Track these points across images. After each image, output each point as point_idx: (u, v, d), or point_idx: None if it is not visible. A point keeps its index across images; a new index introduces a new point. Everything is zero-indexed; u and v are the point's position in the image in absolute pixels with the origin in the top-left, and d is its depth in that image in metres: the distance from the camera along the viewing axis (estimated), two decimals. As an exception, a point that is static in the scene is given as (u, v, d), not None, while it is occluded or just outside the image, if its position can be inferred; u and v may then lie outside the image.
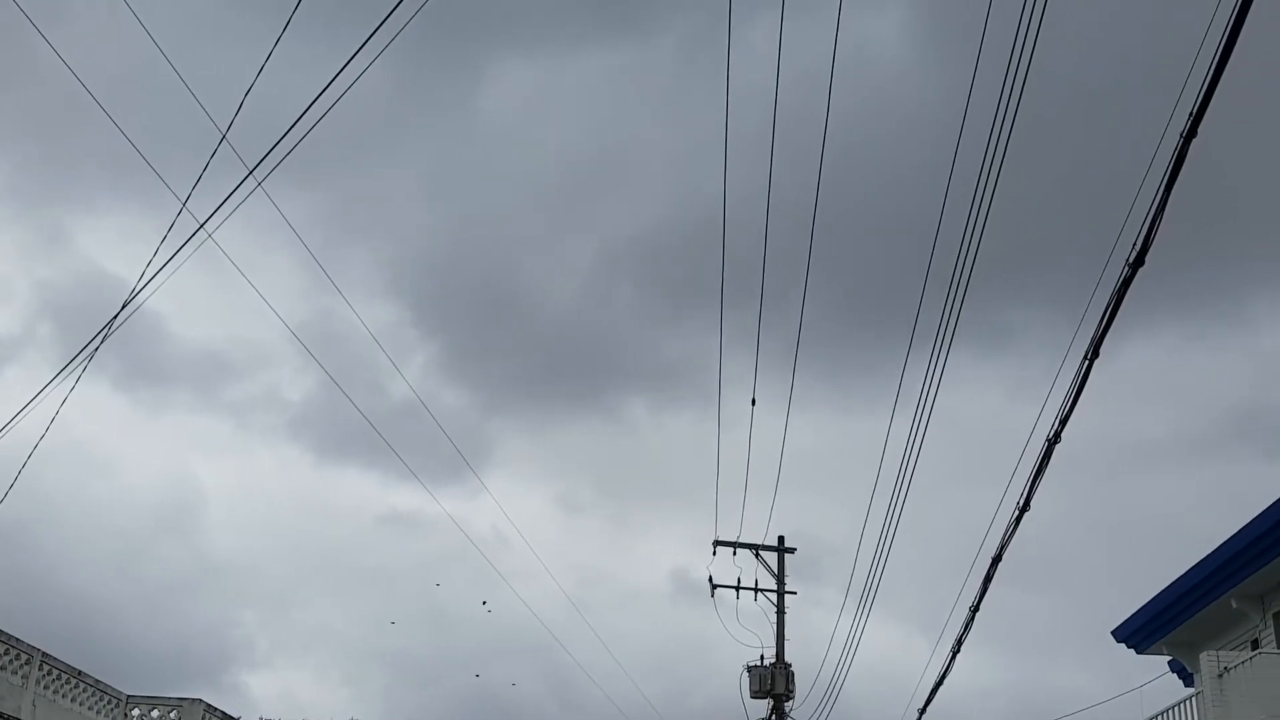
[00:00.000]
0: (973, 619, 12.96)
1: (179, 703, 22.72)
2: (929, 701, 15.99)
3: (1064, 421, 10.41)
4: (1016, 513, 11.65)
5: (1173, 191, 8.46)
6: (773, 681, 28.09)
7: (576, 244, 56.35)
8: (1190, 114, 8.03)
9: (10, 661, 19.23)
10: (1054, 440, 10.70)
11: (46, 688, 19.98)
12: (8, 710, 19.20)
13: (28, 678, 19.51)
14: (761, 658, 28.46)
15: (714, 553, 29.24)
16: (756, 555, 29.16)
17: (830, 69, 11.61)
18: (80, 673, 20.88)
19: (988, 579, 12.44)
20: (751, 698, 28.42)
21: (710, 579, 29.28)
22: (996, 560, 12.22)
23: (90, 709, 21.22)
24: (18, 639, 19.35)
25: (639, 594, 62.77)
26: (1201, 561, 18.42)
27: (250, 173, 10.31)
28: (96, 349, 12.37)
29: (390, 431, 59.18)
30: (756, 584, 28.96)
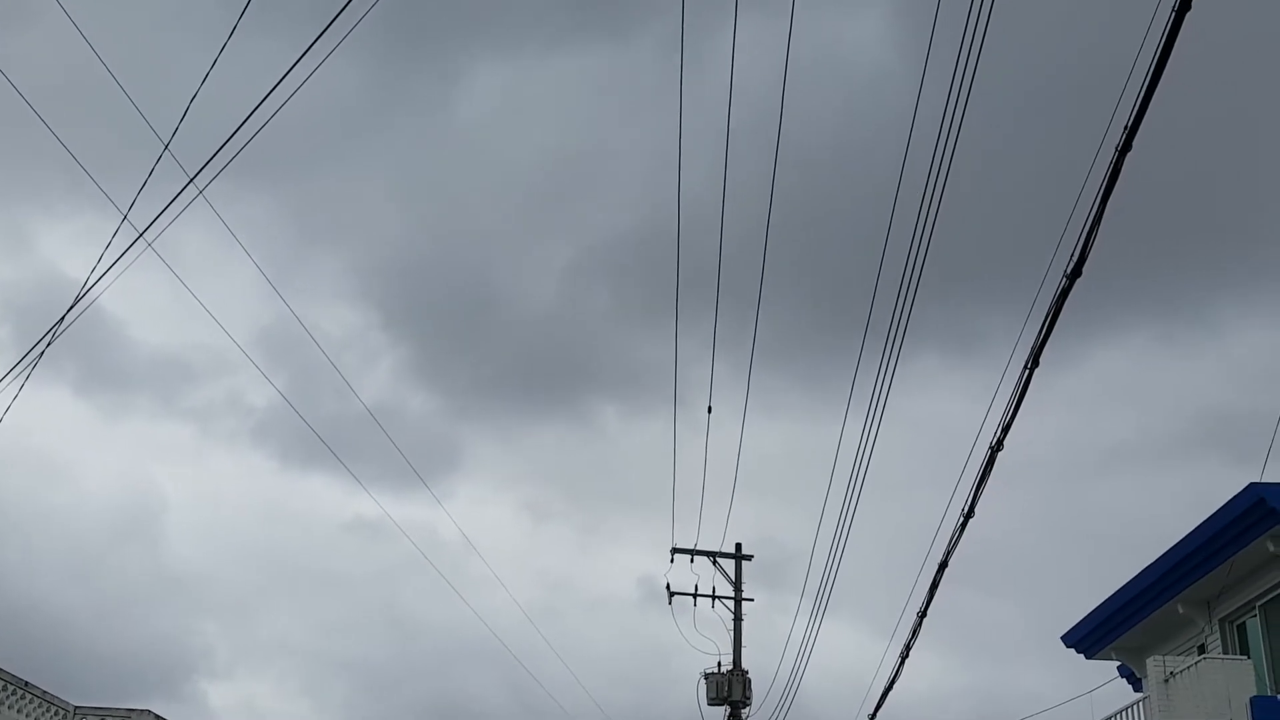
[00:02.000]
0: (920, 624, 13.04)
1: (128, 714, 22.48)
2: (879, 706, 16.06)
3: (1006, 429, 10.50)
4: (961, 519, 11.74)
5: (1109, 204, 8.59)
6: (730, 688, 28.14)
7: (549, 247, 56.26)
8: (1125, 127, 8.14)
9: (-45, 673, 19.01)
10: (996, 448, 10.79)
11: (-8, 699, 19.74)
12: (-47, 722, 18.95)
13: (-28, 689, 19.29)
14: (719, 665, 28.53)
15: (672, 560, 29.29)
16: (714, 562, 29.20)
17: (783, 76, 11.65)
18: (27, 683, 20.63)
19: (934, 585, 12.51)
20: (709, 705, 28.46)
21: (668, 586, 29.31)
22: (943, 566, 12.30)
23: (38, 720, 20.97)
24: (-38, 650, 19.15)
25: (606, 601, 62.77)
26: (1148, 567, 18.59)
27: (191, 180, 10.23)
28: (41, 354, 12.23)
29: (356, 437, 58.94)
30: (714, 591, 29.05)
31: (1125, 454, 51.48)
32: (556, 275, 55.59)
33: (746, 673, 28.49)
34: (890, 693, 14.95)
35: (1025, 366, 9.91)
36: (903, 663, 13.80)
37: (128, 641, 51.61)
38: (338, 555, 60.94)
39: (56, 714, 21.57)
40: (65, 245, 57.21)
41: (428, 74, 51.42)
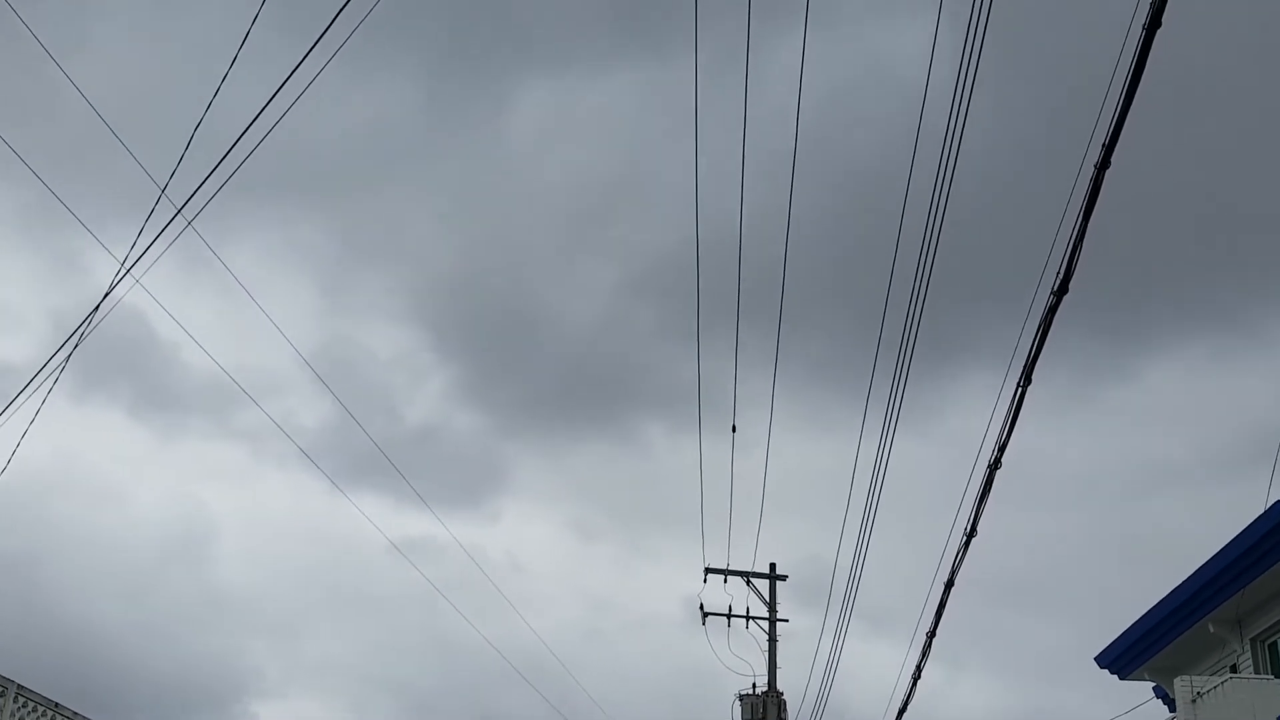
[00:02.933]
0: (929, 644, 12.87)
1: (158, 735, 22.68)
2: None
3: (1002, 448, 10.37)
4: (964, 538, 11.59)
5: (1090, 221, 8.50)
6: (764, 710, 27.98)
7: (596, 266, 56.38)
8: (1103, 144, 8.07)
9: (-16, 694, 19.25)
10: (994, 466, 10.66)
11: (22, 720, 19.99)
12: (-15, 743, 19.20)
13: (2, 710, 19.51)
14: (754, 686, 28.38)
15: (705, 580, 29.23)
16: (748, 582, 29.07)
17: (798, 99, 11.59)
18: (57, 704, 20.86)
19: (941, 604, 12.35)
20: (744, 727, 28.29)
21: (701, 607, 29.23)
22: (948, 586, 12.14)
23: (72, 741, 21.20)
24: (-8, 671, 19.39)
25: (649, 620, 62.57)
26: (1179, 586, 18.27)
27: (178, 211, 10.33)
28: (48, 378, 12.41)
29: (405, 456, 59.34)
30: (748, 611, 28.91)
31: (1178, 470, 50.72)
32: (603, 294, 55.69)
33: (781, 694, 28.32)
34: (905, 713, 14.76)
35: (1018, 384, 9.80)
36: (915, 684, 13.63)
37: (179, 661, 52.14)
38: (384, 575, 61.28)
39: (87, 735, 21.79)
40: (116, 268, 57.93)
41: (478, 95, 51.81)
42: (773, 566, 29.04)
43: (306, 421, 57.67)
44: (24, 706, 20.45)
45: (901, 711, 14.72)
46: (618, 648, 59.87)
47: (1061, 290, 8.89)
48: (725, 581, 28.91)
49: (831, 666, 22.83)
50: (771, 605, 28.79)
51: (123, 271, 11.13)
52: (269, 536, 61.91)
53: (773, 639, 28.57)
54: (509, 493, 60.71)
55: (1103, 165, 8.08)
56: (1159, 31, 7.22)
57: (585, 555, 63.00)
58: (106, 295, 11.29)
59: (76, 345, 12.11)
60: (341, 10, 9.58)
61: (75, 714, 21.66)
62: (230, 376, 27.40)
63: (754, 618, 28.60)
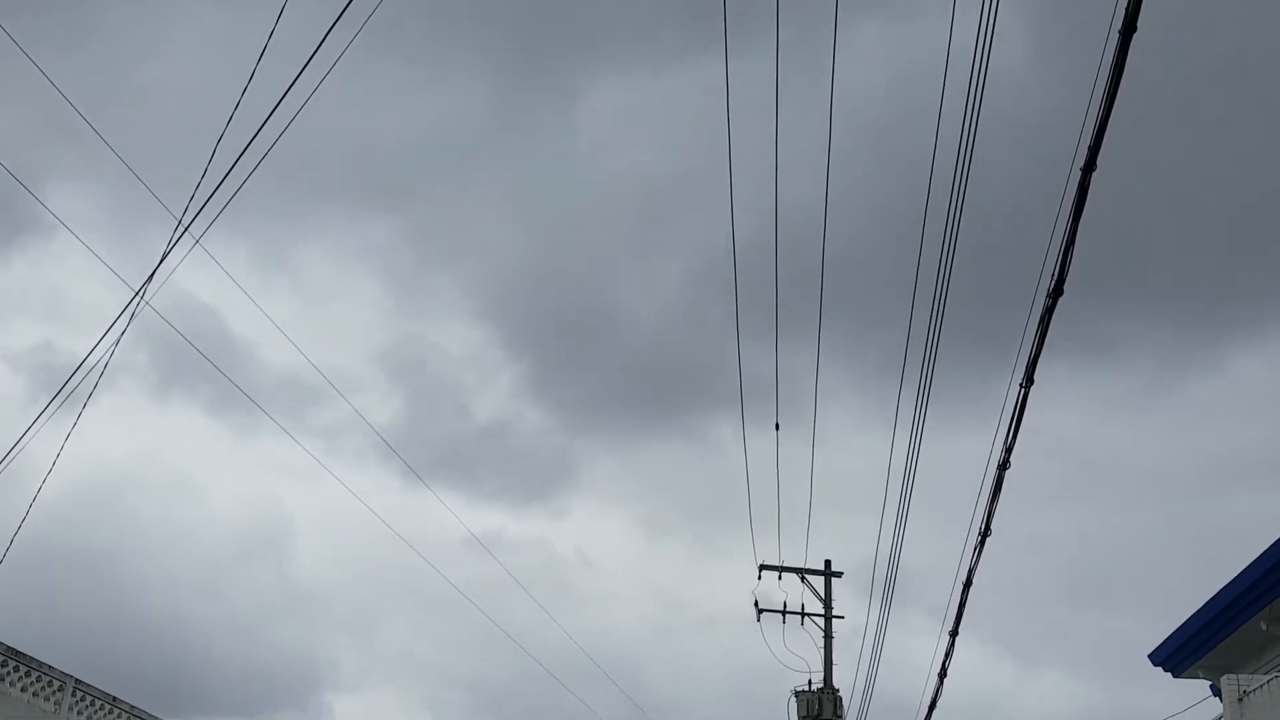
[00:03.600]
0: (953, 644, 12.75)
1: (214, 728, 23.18)
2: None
3: (1009, 450, 10.24)
4: (979, 538, 11.47)
5: (1080, 223, 8.41)
6: (820, 706, 27.87)
7: (665, 261, 56.35)
8: (1089, 147, 8.01)
9: (43, 689, 19.80)
10: (1004, 466, 10.53)
11: (80, 714, 20.51)
12: (45, 736, 19.76)
13: (60, 704, 20.06)
14: (809, 683, 28.28)
15: (759, 577, 29.13)
16: (803, 579, 28.97)
17: (829, 96, 11.57)
18: (115, 699, 21.39)
19: (962, 603, 12.24)
20: (800, 723, 28.23)
21: (755, 603, 29.15)
22: (967, 585, 12.03)
23: (128, 734, 21.76)
24: (50, 666, 19.91)
25: (717, 616, 62.53)
26: (1230, 583, 17.94)
27: (183, 227, 10.54)
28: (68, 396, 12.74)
29: (475, 453, 59.95)
30: (803, 608, 28.80)
31: (1260, 463, 49.56)
32: (672, 289, 55.64)
33: (838, 691, 28.19)
34: (934, 710, 14.63)
35: (1021, 385, 9.68)
36: (941, 683, 13.51)
37: (258, 655, 53.13)
38: (456, 571, 61.92)
39: (145, 728, 22.35)
40: (194, 271, 59.26)
41: (547, 93, 52.03)
42: (828, 563, 28.92)
43: (379, 419, 58.42)
44: (81, 700, 20.99)
45: (931, 708, 14.60)
46: (685, 644, 59.95)
47: (1056, 292, 8.80)
48: (780, 578, 28.84)
49: (875, 661, 22.71)
50: (827, 602, 28.67)
51: (175, 237, 11.38)
52: (344, 532, 62.80)
53: (828, 635, 28.44)
54: (578, 489, 61.00)
55: (1088, 167, 8.00)
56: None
57: (654, 551, 63.14)
58: (156, 270, 11.56)
59: (128, 324, 12.40)
60: (346, 8, 9.71)
61: (133, 708, 22.18)
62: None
63: (808, 614, 28.49)
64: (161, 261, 10.94)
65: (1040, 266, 9.17)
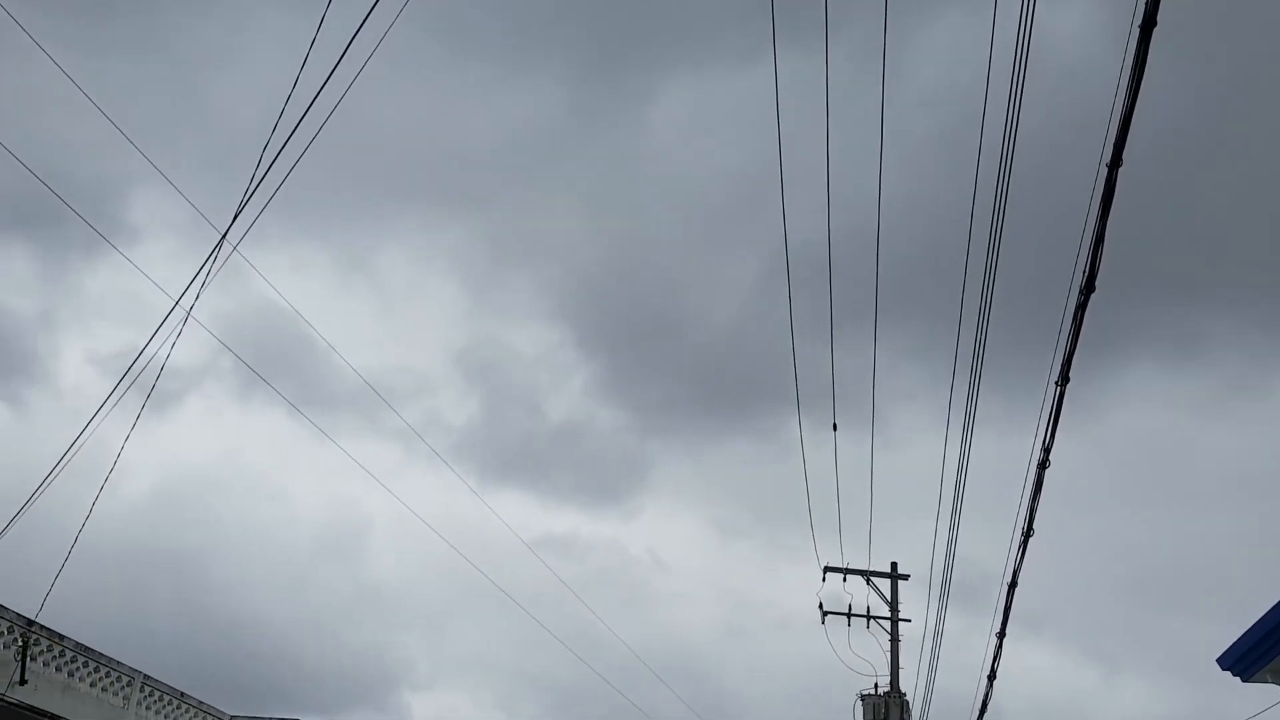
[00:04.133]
0: (1000, 647, 12.56)
1: (279, 724, 23.58)
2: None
3: (1048, 450, 10.07)
4: (1022, 538, 11.28)
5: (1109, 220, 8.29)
6: (886, 710, 27.63)
7: (738, 260, 56.21)
8: (1115, 144, 7.90)
9: (112, 684, 20.23)
10: (1044, 465, 10.36)
11: (148, 709, 20.93)
12: (116, 730, 20.20)
13: (129, 699, 20.49)
14: (875, 686, 28.04)
15: (823, 578, 28.90)
16: (868, 581, 28.70)
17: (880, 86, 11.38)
18: (183, 694, 21.79)
19: (1008, 606, 12.05)
20: (867, 727, 28.02)
21: (820, 605, 28.93)
22: (1012, 586, 11.84)
23: (198, 729, 22.16)
24: (119, 662, 20.34)
25: (789, 618, 62.22)
26: (1296, 589, 17.49)
27: (223, 237, 10.72)
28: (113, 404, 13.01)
29: (548, 453, 60.24)
30: (868, 610, 28.54)
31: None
32: (745, 289, 55.45)
33: (904, 694, 27.93)
34: (985, 713, 14.41)
35: (1057, 383, 9.52)
36: (991, 684, 13.31)
37: (336, 654, 53.82)
38: (529, 570, 62.25)
39: (213, 724, 22.75)
40: (277, 275, 60.33)
41: (622, 93, 52.15)
42: (894, 565, 28.64)
43: (455, 420, 58.95)
44: (150, 695, 21.40)
45: (981, 713, 14.39)
46: (755, 645, 59.75)
47: (1088, 289, 8.66)
48: (844, 580, 28.59)
49: (934, 665, 22.42)
50: (893, 604, 28.40)
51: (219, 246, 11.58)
52: (419, 532, 63.43)
53: (894, 639, 28.18)
54: (650, 490, 61.07)
55: (1114, 163, 7.88)
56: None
57: (724, 552, 62.97)
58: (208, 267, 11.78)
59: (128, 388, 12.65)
60: (372, 9, 9.82)
61: (200, 703, 22.57)
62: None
63: (874, 617, 28.23)
64: (202, 268, 11.15)
65: (1091, 262, 9.00)
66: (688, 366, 58.78)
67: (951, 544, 17.19)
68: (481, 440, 58.07)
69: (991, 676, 13.08)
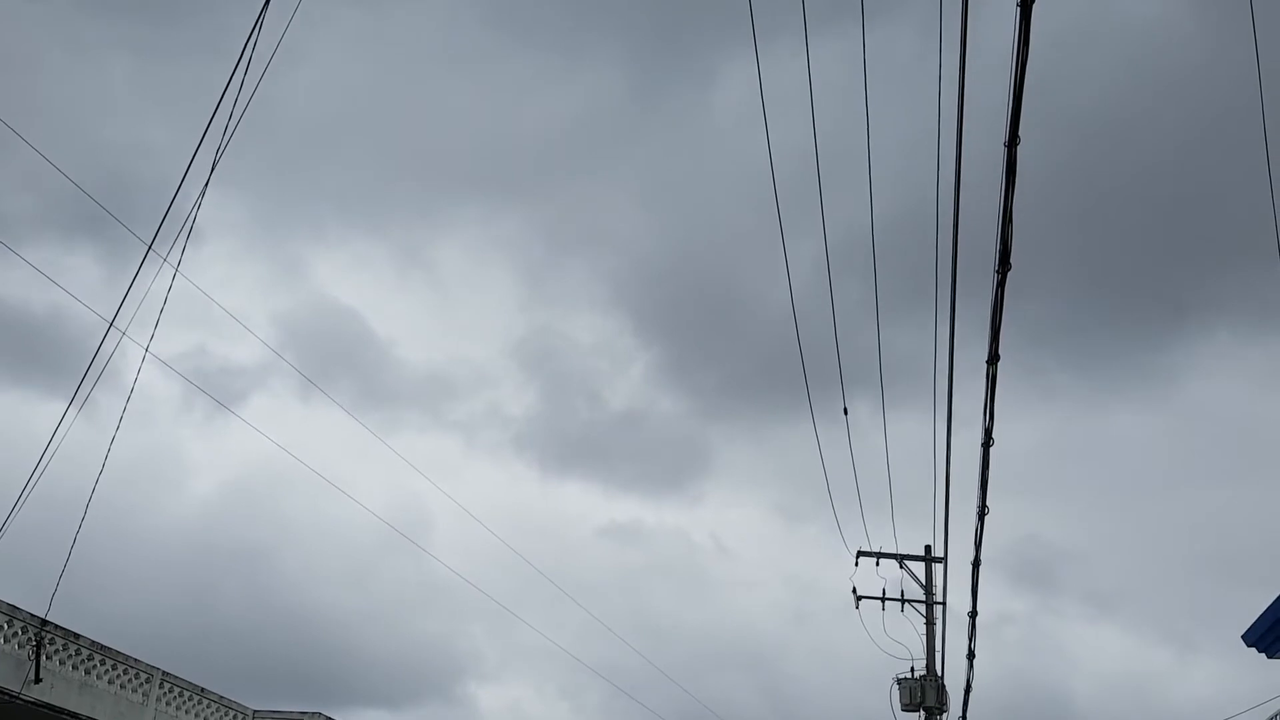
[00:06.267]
0: (974, 625, 12.27)
1: (300, 716, 23.73)
2: (965, 706, 15.16)
3: (988, 430, 9.78)
4: (978, 517, 10.99)
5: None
6: (923, 694, 27.31)
7: (800, 242, 55.56)
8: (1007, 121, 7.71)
9: (130, 680, 20.50)
10: (986, 445, 10.07)
11: (168, 704, 21.19)
12: (137, 726, 20.48)
13: (148, 695, 20.75)
14: (911, 670, 27.73)
15: (857, 563, 28.58)
16: (901, 565, 28.38)
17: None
18: (203, 690, 22.01)
19: (974, 585, 11.74)
20: (903, 710, 27.72)
21: (854, 590, 28.63)
22: (975, 566, 11.54)
23: (217, 724, 22.37)
24: (136, 659, 20.60)
25: (849, 602, 61.55)
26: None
27: (152, 251, 10.72)
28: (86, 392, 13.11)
29: (609, 441, 60.22)
30: (903, 594, 28.20)
31: None
32: (806, 272, 54.79)
33: (941, 678, 27.58)
34: (970, 693, 14.09)
35: (988, 362, 9.26)
36: (971, 665, 13.01)
37: (403, 647, 54.26)
38: (593, 560, 62.36)
39: (235, 718, 22.98)
40: (336, 272, 60.92)
41: (682, 76, 51.74)
42: (927, 549, 28.29)
43: (514, 410, 59.14)
44: (169, 691, 21.66)
45: (967, 691, 14.09)
46: (821, 630, 59.36)
47: (1003, 265, 8.42)
48: (878, 565, 28.29)
49: (971, 649, 22.02)
50: (928, 588, 28.06)
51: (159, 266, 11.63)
52: (485, 523, 63.73)
53: (929, 622, 27.85)
54: (712, 476, 60.84)
55: (1012, 141, 7.65)
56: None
57: (788, 536, 62.60)
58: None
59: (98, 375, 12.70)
60: None
61: (221, 698, 22.82)
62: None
63: (908, 600, 27.91)
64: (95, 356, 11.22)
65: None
66: (748, 350, 58.39)
67: (978, 530, 16.81)
68: (542, 430, 58.27)
69: (970, 656, 12.80)
